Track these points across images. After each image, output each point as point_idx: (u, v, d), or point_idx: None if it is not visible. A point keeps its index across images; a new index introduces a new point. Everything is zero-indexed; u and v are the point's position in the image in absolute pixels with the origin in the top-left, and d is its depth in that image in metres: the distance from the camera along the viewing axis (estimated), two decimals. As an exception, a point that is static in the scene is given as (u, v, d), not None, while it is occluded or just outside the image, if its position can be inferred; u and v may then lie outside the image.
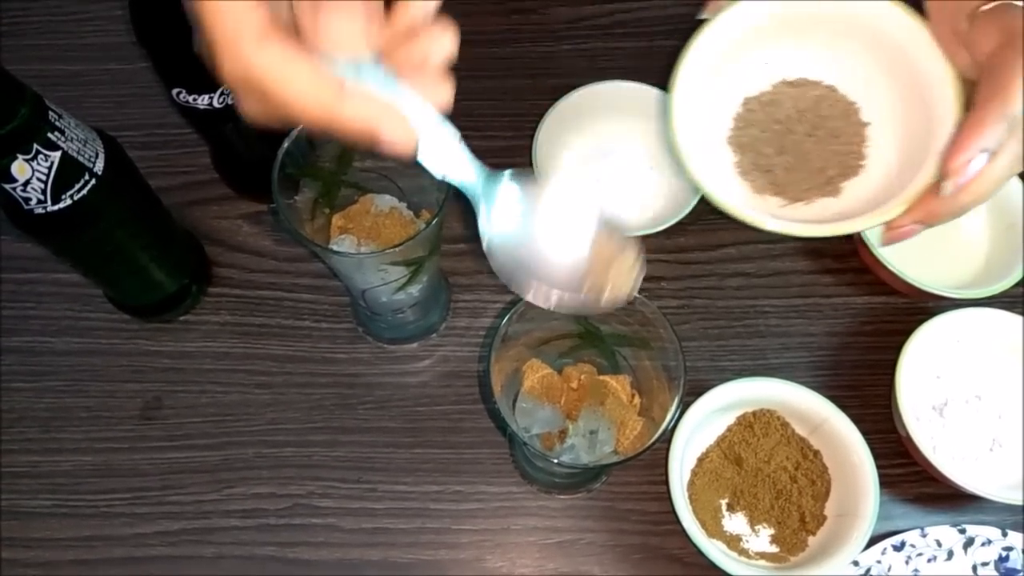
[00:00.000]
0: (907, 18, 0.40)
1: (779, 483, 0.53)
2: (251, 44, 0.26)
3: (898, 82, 0.41)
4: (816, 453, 0.53)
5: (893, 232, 0.40)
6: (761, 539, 0.52)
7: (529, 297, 0.33)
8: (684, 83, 0.41)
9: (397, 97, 0.27)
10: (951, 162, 0.37)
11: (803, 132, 0.42)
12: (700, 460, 0.54)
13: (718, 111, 0.43)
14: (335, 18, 0.24)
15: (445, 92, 0.29)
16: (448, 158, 0.28)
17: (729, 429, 0.54)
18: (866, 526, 0.49)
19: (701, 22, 0.41)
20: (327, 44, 0.25)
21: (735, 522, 0.53)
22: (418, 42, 0.29)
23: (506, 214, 0.32)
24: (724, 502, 0.53)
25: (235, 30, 0.26)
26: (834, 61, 0.43)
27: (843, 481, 0.52)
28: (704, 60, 0.41)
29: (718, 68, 0.41)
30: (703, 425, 0.53)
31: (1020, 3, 0.37)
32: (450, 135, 0.29)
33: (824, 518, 0.52)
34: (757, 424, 0.54)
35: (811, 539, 0.52)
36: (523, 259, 0.32)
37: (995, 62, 0.37)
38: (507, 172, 0.32)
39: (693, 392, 0.52)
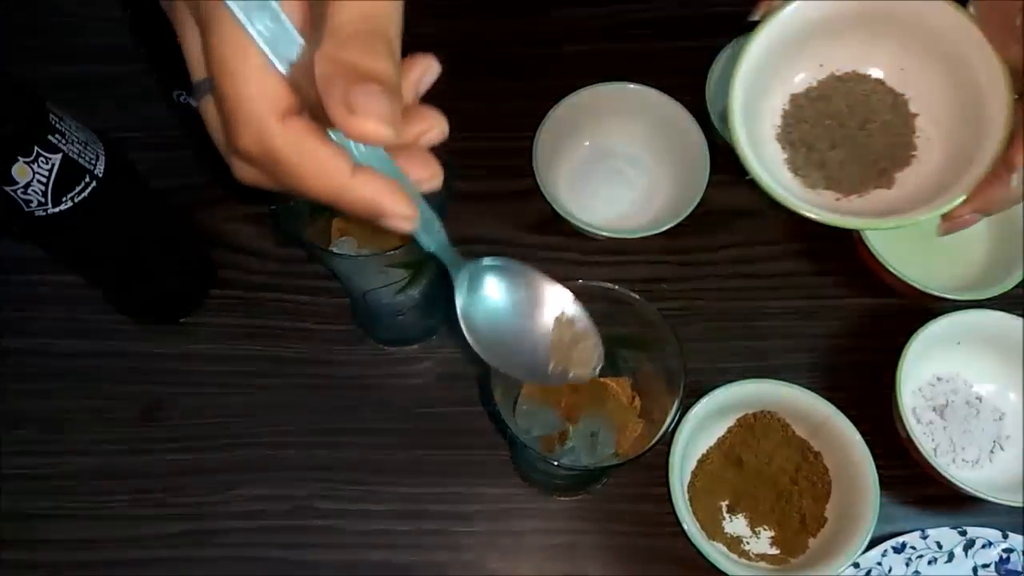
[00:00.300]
0: (954, 12, 0.40)
1: (780, 485, 0.53)
2: (273, 121, 0.26)
3: (946, 73, 0.42)
4: (817, 455, 0.53)
5: (952, 222, 0.40)
6: (762, 541, 0.52)
7: (499, 369, 0.37)
8: (742, 85, 0.41)
9: (397, 176, 0.28)
10: (1016, 157, 0.37)
11: (855, 126, 0.43)
12: (701, 462, 0.54)
13: (766, 109, 0.43)
14: (371, 114, 0.24)
15: (435, 172, 0.30)
16: (433, 238, 0.30)
17: (729, 431, 0.55)
18: (867, 528, 0.49)
19: (753, 24, 0.42)
20: (356, 135, 0.25)
21: (736, 524, 0.53)
22: (412, 124, 0.29)
23: (479, 297, 0.35)
24: (725, 504, 0.53)
25: (260, 106, 0.26)
26: (881, 55, 0.43)
27: (844, 483, 0.52)
28: (758, 61, 0.41)
29: (768, 68, 0.42)
30: (704, 427, 0.53)
31: None
32: (433, 216, 0.31)
33: (825, 520, 0.52)
34: (757, 426, 0.54)
35: (812, 541, 0.52)
36: (493, 338, 0.35)
37: None
38: (484, 260, 0.35)
39: (693, 394, 0.52)
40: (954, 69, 0.41)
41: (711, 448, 0.54)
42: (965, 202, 0.39)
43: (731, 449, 0.54)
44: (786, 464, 0.53)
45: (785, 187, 0.41)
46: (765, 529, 0.52)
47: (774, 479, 0.53)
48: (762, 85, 0.42)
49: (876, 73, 0.44)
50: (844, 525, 0.50)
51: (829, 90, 0.43)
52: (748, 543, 0.52)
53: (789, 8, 0.41)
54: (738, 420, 0.54)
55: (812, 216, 0.40)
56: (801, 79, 0.44)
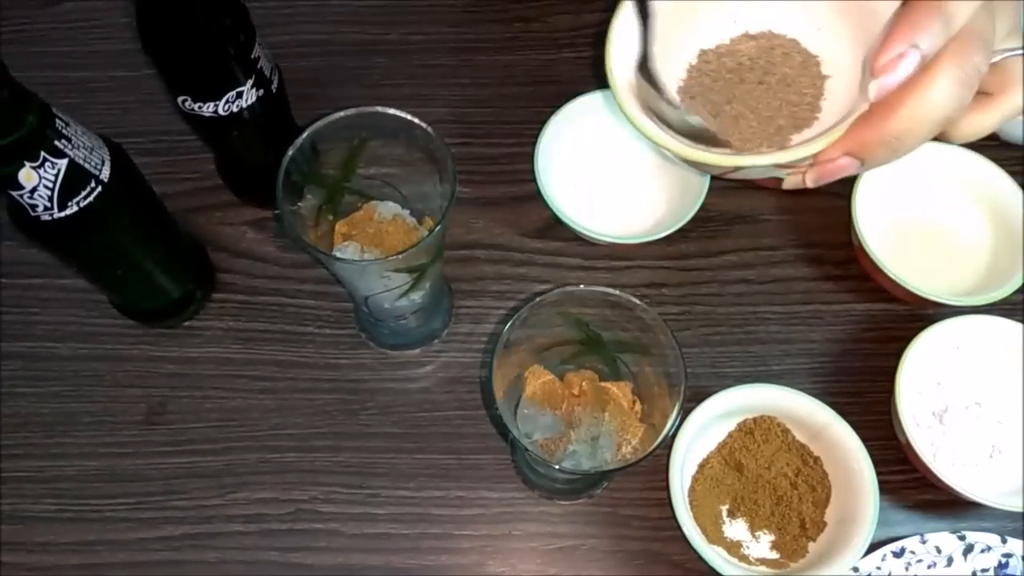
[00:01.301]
0: None
1: (779, 489, 0.53)
2: None
3: (867, 39, 0.38)
4: (816, 459, 0.53)
5: (822, 167, 0.35)
6: (761, 545, 0.52)
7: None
8: (620, 26, 0.39)
9: None
10: (877, 59, 0.32)
11: (754, 80, 0.40)
12: (701, 466, 0.54)
13: (673, 62, 0.41)
14: None
15: None
16: None
17: (730, 435, 0.55)
18: (866, 532, 0.49)
19: None
20: None
21: (736, 528, 0.53)
22: None
23: None
24: (725, 508, 0.53)
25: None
26: (802, 15, 0.41)
27: (843, 487, 0.52)
28: (672, 9, 0.39)
29: (681, 21, 0.40)
30: (704, 431, 0.53)
31: None
32: None
33: (824, 524, 0.52)
34: (758, 430, 0.54)
35: (811, 545, 0.52)
36: None
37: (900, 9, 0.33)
38: None
39: (694, 398, 0.52)
40: (871, 27, 0.37)
41: (711, 452, 0.55)
42: (836, 143, 0.34)
43: (731, 453, 0.54)
44: (786, 469, 0.53)
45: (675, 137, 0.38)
46: (765, 533, 0.53)
47: (774, 484, 0.53)
48: (674, 38, 0.40)
49: (791, 33, 0.41)
50: (843, 530, 0.50)
51: (738, 46, 0.41)
52: (748, 547, 0.52)
53: None
54: (738, 425, 0.55)
55: (669, 146, 0.37)
56: (713, 35, 0.42)
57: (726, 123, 0.40)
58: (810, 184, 0.36)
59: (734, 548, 0.52)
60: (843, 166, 0.35)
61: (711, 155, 0.36)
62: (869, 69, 0.33)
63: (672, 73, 0.41)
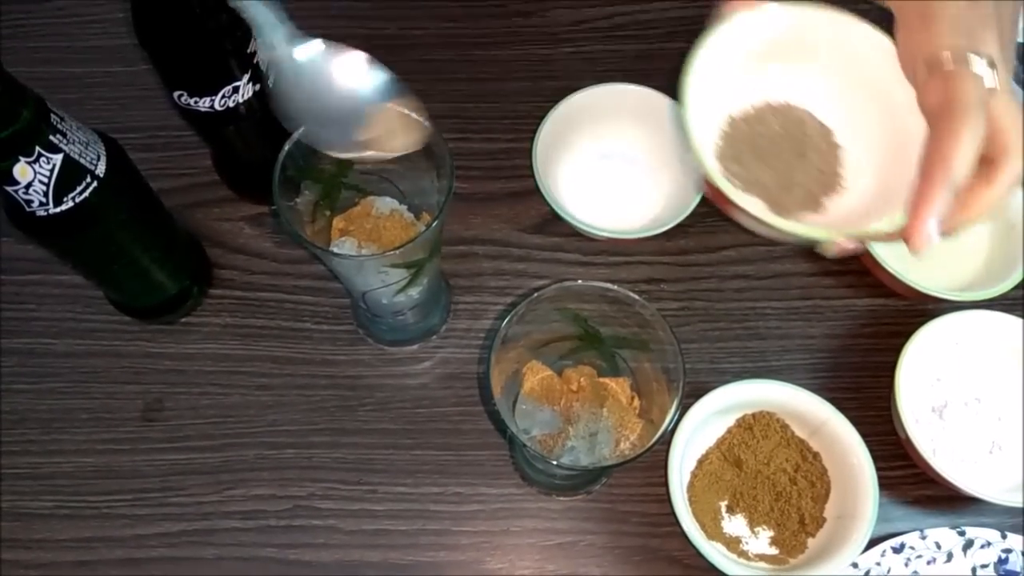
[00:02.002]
0: (883, 41, 0.41)
1: (779, 485, 0.53)
2: None
3: (875, 110, 0.43)
4: (816, 455, 0.53)
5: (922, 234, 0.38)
6: (760, 541, 0.52)
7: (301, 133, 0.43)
8: (695, 86, 0.41)
9: None
10: (912, 237, 0.37)
11: (789, 150, 0.44)
12: (700, 462, 0.54)
13: (706, 126, 0.43)
14: None
15: None
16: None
17: (729, 431, 0.55)
18: (865, 528, 0.49)
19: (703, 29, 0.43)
20: None
21: (735, 524, 0.53)
22: None
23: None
24: (724, 504, 0.53)
25: None
26: (814, 88, 0.45)
27: (843, 483, 0.52)
28: (704, 75, 0.42)
29: (711, 85, 0.42)
30: (703, 427, 0.53)
31: (973, 63, 0.37)
32: None
33: (823, 520, 0.52)
34: (757, 426, 0.54)
35: (810, 541, 0.52)
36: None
37: (936, 130, 0.37)
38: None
39: (693, 394, 0.52)
40: (883, 106, 0.42)
41: (710, 448, 0.54)
42: (915, 215, 0.37)
43: (730, 449, 0.54)
44: (785, 464, 0.53)
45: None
46: (764, 529, 0.53)
47: (773, 479, 0.53)
48: (705, 102, 0.42)
49: (806, 104, 0.45)
50: (843, 525, 0.50)
51: (764, 116, 0.45)
52: (747, 543, 0.52)
53: (728, 28, 0.42)
54: (737, 420, 0.55)
55: (783, 226, 0.40)
56: (739, 103, 0.45)
57: (767, 190, 0.43)
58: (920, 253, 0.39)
59: (733, 544, 0.52)
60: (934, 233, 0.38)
61: (804, 227, 0.40)
62: (903, 236, 0.37)
63: (707, 138, 0.43)
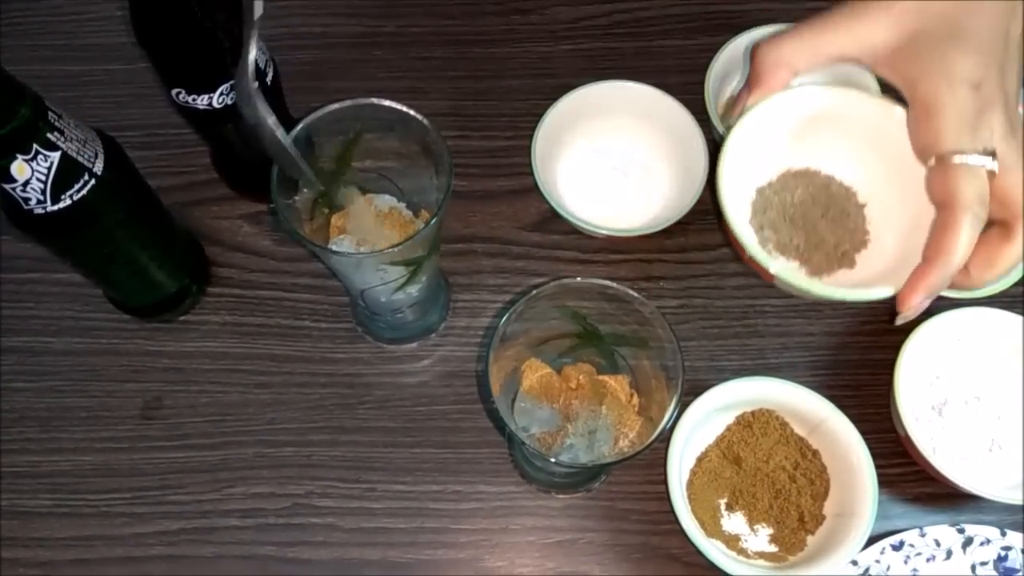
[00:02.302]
0: (896, 112, 0.44)
1: (778, 483, 0.53)
2: None
3: (895, 174, 0.46)
4: (815, 453, 0.53)
5: (913, 310, 0.43)
6: (760, 538, 0.52)
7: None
8: (728, 175, 0.45)
9: None
10: (902, 306, 0.42)
11: (818, 213, 0.48)
12: (699, 460, 0.54)
13: (737, 199, 0.47)
14: None
15: None
16: None
17: (728, 429, 0.55)
18: (865, 526, 0.49)
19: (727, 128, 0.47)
20: None
21: (734, 522, 0.53)
22: None
23: None
24: (723, 502, 0.53)
25: None
26: (832, 153, 0.48)
27: (842, 481, 0.52)
28: (735, 158, 0.45)
29: (737, 164, 0.46)
30: (702, 425, 0.53)
31: (971, 160, 0.40)
32: None
33: (823, 518, 0.52)
34: (756, 424, 0.54)
35: (810, 539, 0.52)
36: None
37: (940, 220, 0.41)
38: None
39: (692, 392, 0.52)
40: (898, 163, 0.45)
41: (709, 446, 0.54)
42: (905, 293, 0.42)
43: (729, 447, 0.54)
44: (784, 462, 0.53)
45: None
46: (763, 527, 0.52)
47: (772, 477, 0.53)
48: (734, 179, 0.45)
49: (825, 169, 0.49)
50: (842, 523, 0.50)
51: (788, 183, 0.48)
52: (746, 541, 0.52)
53: (754, 112, 0.46)
54: (736, 418, 0.54)
55: (824, 293, 0.44)
56: (762, 173, 0.49)
57: (801, 252, 0.47)
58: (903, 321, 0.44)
59: (732, 542, 0.52)
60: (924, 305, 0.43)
61: (830, 290, 0.44)
62: (896, 303, 0.42)
63: (739, 210, 0.46)
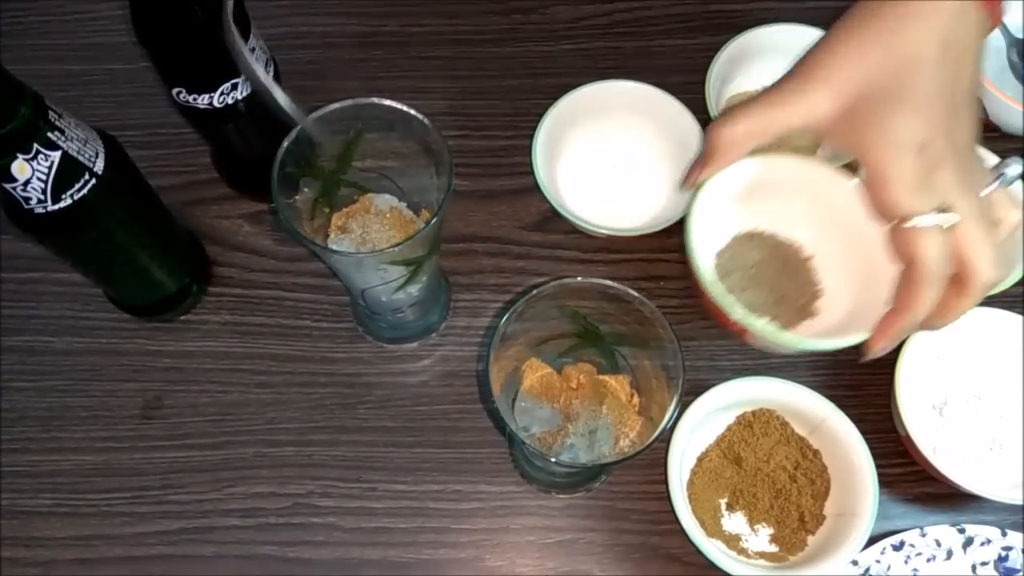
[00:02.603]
0: (839, 179, 0.48)
1: (778, 482, 0.53)
2: None
3: (825, 218, 0.50)
4: (815, 452, 0.53)
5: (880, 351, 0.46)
6: (760, 538, 0.52)
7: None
8: (698, 246, 0.48)
9: None
10: (870, 350, 0.46)
11: (775, 271, 0.52)
12: (699, 459, 0.54)
13: (709, 268, 0.50)
14: None
15: None
16: None
17: (728, 428, 0.54)
18: (865, 526, 0.49)
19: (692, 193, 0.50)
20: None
21: (734, 521, 0.53)
22: None
23: None
24: (723, 501, 0.53)
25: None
26: (771, 212, 0.52)
27: (842, 481, 0.52)
28: (700, 226, 0.48)
29: (703, 234, 0.49)
30: (702, 424, 0.53)
31: (926, 222, 0.42)
32: None
33: (823, 517, 0.52)
34: (756, 424, 0.54)
35: (810, 538, 0.52)
36: None
37: (904, 276, 0.44)
38: None
39: (692, 391, 0.52)
40: (840, 219, 0.48)
41: (710, 446, 0.54)
42: (875, 339, 0.45)
43: (730, 447, 0.54)
44: (785, 462, 0.53)
45: None
46: (764, 527, 0.52)
47: (773, 477, 0.53)
48: (703, 249, 0.48)
49: (769, 229, 0.53)
50: (843, 523, 0.50)
51: (741, 246, 0.53)
52: (747, 541, 0.52)
53: (709, 184, 0.49)
54: (737, 418, 0.54)
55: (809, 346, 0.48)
56: (717, 239, 0.53)
57: (768, 309, 0.51)
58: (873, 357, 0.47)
59: (733, 542, 0.52)
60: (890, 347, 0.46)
61: (798, 340, 0.48)
62: (866, 346, 0.46)
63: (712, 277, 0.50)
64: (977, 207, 0.43)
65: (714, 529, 0.52)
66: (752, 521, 0.52)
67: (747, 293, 0.51)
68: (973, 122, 0.45)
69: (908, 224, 0.42)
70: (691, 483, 0.53)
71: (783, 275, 0.52)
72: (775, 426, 0.54)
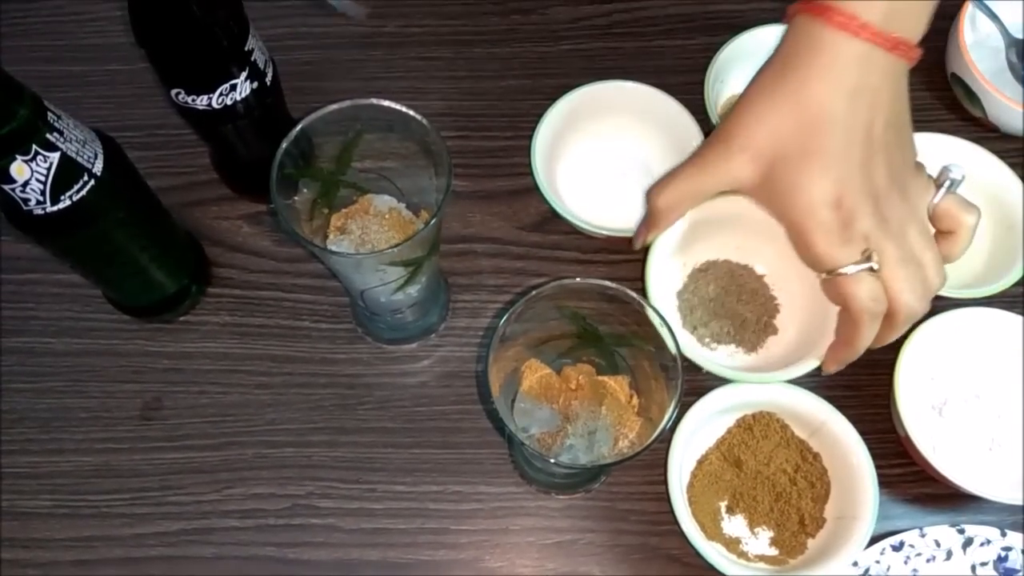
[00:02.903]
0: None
1: (778, 485, 0.53)
2: None
3: (768, 237, 0.51)
4: (816, 455, 0.53)
5: (835, 369, 0.50)
6: (760, 541, 0.52)
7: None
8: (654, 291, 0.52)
9: None
10: (824, 371, 0.50)
11: (734, 299, 0.55)
12: (700, 462, 0.54)
13: (672, 316, 0.55)
14: None
15: None
16: None
17: (729, 431, 0.54)
18: (866, 529, 0.49)
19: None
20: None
21: (734, 524, 0.53)
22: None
23: None
24: (723, 504, 0.53)
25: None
26: (719, 242, 0.56)
27: (843, 483, 0.52)
28: (655, 275, 0.52)
29: (660, 286, 0.53)
30: (703, 427, 0.53)
31: (852, 271, 0.45)
32: None
33: (823, 520, 0.52)
34: (757, 426, 0.54)
35: (810, 542, 0.51)
36: None
37: (841, 316, 0.48)
38: None
39: (693, 393, 0.52)
40: (769, 230, 0.50)
41: (710, 449, 0.54)
42: (826, 365, 0.50)
43: (730, 450, 0.54)
44: (785, 465, 0.53)
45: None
46: (764, 530, 0.52)
47: (773, 480, 0.53)
48: (661, 297, 0.53)
49: (722, 257, 0.57)
50: (843, 526, 0.50)
51: (697, 280, 0.56)
52: (747, 544, 0.52)
53: (657, 243, 0.53)
54: (737, 421, 0.54)
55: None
56: (675, 280, 0.56)
57: (733, 335, 0.55)
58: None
59: (733, 545, 0.52)
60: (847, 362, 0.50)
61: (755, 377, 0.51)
62: (823, 365, 0.50)
63: (678, 329, 0.54)
64: (899, 247, 0.45)
65: (714, 532, 0.52)
66: (752, 524, 0.52)
67: (711, 325, 0.55)
68: (896, 156, 0.46)
69: (836, 275, 0.45)
70: (691, 486, 0.53)
71: (741, 301, 0.55)
72: (775, 429, 0.54)
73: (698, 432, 0.53)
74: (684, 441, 0.51)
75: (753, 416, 0.54)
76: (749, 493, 0.53)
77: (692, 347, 0.54)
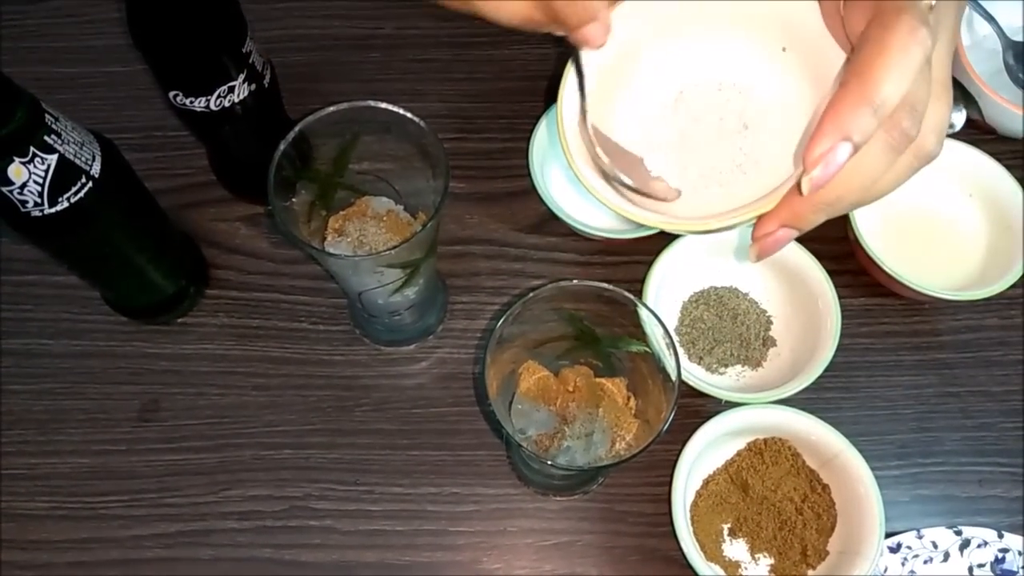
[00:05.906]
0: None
1: (784, 513, 0.52)
2: None
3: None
4: (825, 487, 0.52)
5: (762, 243, 0.34)
6: (760, 568, 0.52)
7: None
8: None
9: None
10: (808, 154, 0.30)
11: (728, 322, 0.57)
12: (706, 482, 0.53)
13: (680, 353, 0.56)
14: None
15: None
16: None
17: (738, 454, 0.54)
18: (868, 566, 0.48)
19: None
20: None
21: (736, 548, 0.52)
22: None
23: None
24: (726, 527, 0.53)
25: None
26: (701, 273, 0.58)
27: (850, 519, 0.51)
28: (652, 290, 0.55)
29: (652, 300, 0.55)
30: (712, 447, 0.52)
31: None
32: None
33: (826, 553, 0.51)
34: (767, 452, 0.53)
35: (810, 572, 0.51)
36: None
37: (861, 41, 0.31)
38: None
39: (704, 415, 0.52)
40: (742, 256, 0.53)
41: (718, 469, 0.54)
42: (770, 215, 0.33)
43: (738, 472, 0.53)
44: (793, 493, 0.52)
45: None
46: (765, 556, 0.52)
47: (779, 507, 0.52)
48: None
49: (703, 284, 0.58)
50: (845, 560, 0.49)
51: (690, 312, 0.58)
52: (746, 568, 0.51)
53: (649, 285, 0.54)
54: (748, 444, 0.54)
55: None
56: (670, 317, 0.58)
57: (740, 357, 0.57)
58: (753, 261, 0.35)
59: (732, 568, 0.51)
60: (780, 238, 0.34)
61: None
62: (802, 161, 0.31)
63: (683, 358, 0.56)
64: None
65: (714, 554, 0.51)
66: (753, 550, 0.52)
67: (715, 352, 0.56)
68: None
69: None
70: (695, 505, 0.52)
71: (736, 323, 0.57)
72: (786, 456, 0.53)
73: (707, 452, 0.52)
74: (691, 459, 0.50)
75: (765, 441, 0.53)
76: (753, 518, 0.52)
77: (701, 375, 0.56)
